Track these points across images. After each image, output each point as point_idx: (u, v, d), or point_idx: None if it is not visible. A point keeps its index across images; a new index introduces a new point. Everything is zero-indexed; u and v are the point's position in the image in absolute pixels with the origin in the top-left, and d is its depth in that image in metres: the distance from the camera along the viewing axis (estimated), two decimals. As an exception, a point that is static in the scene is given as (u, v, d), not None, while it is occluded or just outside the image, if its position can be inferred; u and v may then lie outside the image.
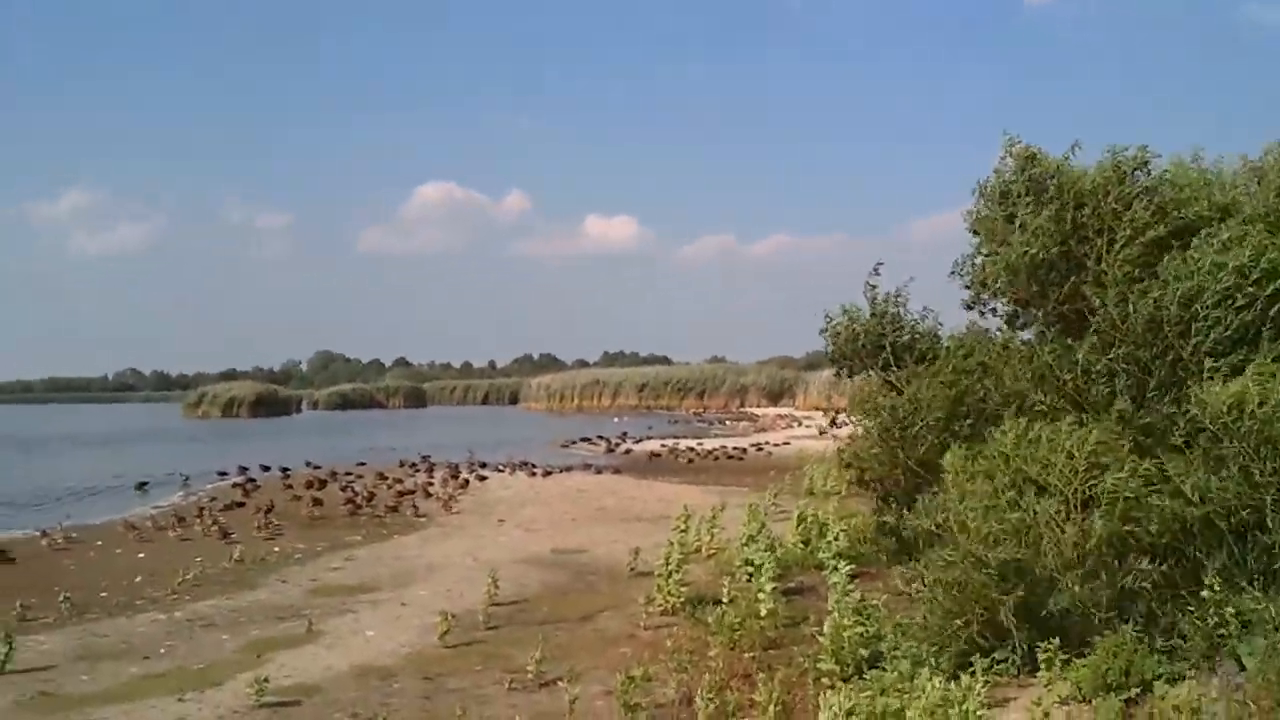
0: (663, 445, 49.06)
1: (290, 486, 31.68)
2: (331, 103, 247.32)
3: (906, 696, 7.77)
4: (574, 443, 53.99)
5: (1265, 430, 8.28)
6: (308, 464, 38.43)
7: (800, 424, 64.01)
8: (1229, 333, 9.70)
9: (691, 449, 46.22)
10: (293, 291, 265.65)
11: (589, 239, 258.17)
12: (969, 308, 13.56)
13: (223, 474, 37.66)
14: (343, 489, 30.08)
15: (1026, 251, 11.59)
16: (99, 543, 22.06)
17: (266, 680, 10.34)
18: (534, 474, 35.42)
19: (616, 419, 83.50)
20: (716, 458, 42.40)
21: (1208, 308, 9.78)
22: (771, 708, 8.36)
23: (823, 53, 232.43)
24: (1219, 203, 11.45)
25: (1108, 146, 11.82)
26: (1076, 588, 9.17)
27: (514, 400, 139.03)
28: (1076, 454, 9.30)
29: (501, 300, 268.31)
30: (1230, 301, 9.72)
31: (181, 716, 9.88)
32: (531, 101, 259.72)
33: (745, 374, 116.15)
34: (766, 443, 48.28)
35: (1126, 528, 8.95)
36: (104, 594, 16.36)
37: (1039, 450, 9.50)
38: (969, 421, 12.64)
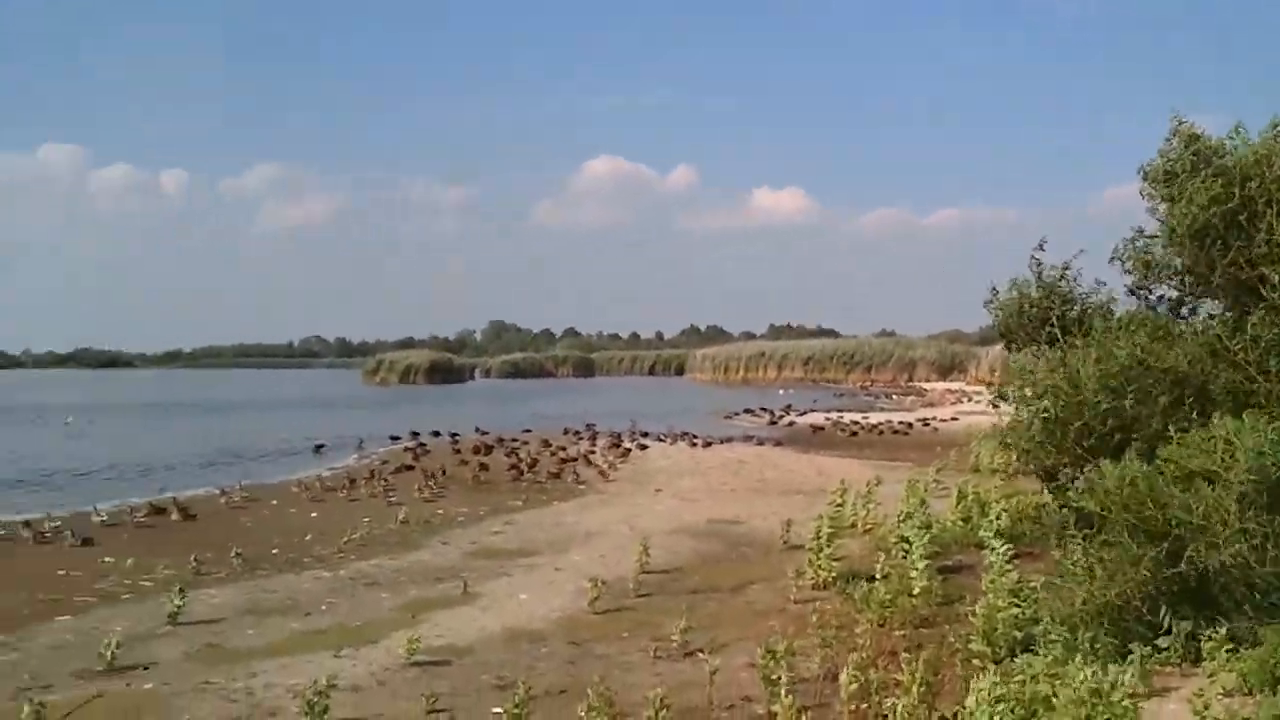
0: (826, 418, 48.54)
1: (459, 451, 32.54)
2: (505, 79, 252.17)
3: (1058, 683, 7.47)
4: (737, 414, 53.88)
5: None
6: (476, 430, 39.45)
7: (969, 399, 62.57)
8: None
9: (856, 423, 45.61)
10: (468, 263, 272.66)
11: (758, 211, 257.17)
12: (1132, 293, 13.04)
13: (395, 438, 38.88)
14: (508, 455, 30.77)
15: (1193, 216, 11.10)
16: (274, 502, 23.07)
17: (418, 640, 10.64)
18: (694, 444, 35.51)
19: (781, 391, 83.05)
20: (881, 432, 41.74)
21: None
22: (915, 688, 8.14)
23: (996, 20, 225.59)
24: None
25: (1274, 120, 11.22)
26: (1239, 545, 8.68)
27: (680, 371, 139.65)
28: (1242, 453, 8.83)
29: (669, 272, 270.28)
30: None
31: (336, 672, 10.16)
32: (697, 76, 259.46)
33: (914, 348, 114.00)
34: (934, 418, 47.28)
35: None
36: (275, 551, 17.09)
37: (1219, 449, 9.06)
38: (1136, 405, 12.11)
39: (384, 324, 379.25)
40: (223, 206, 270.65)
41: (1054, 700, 7.15)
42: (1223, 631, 8.39)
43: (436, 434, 39.26)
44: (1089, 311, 13.92)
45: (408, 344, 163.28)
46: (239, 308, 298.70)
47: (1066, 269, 14.02)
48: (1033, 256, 14.28)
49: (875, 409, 59.53)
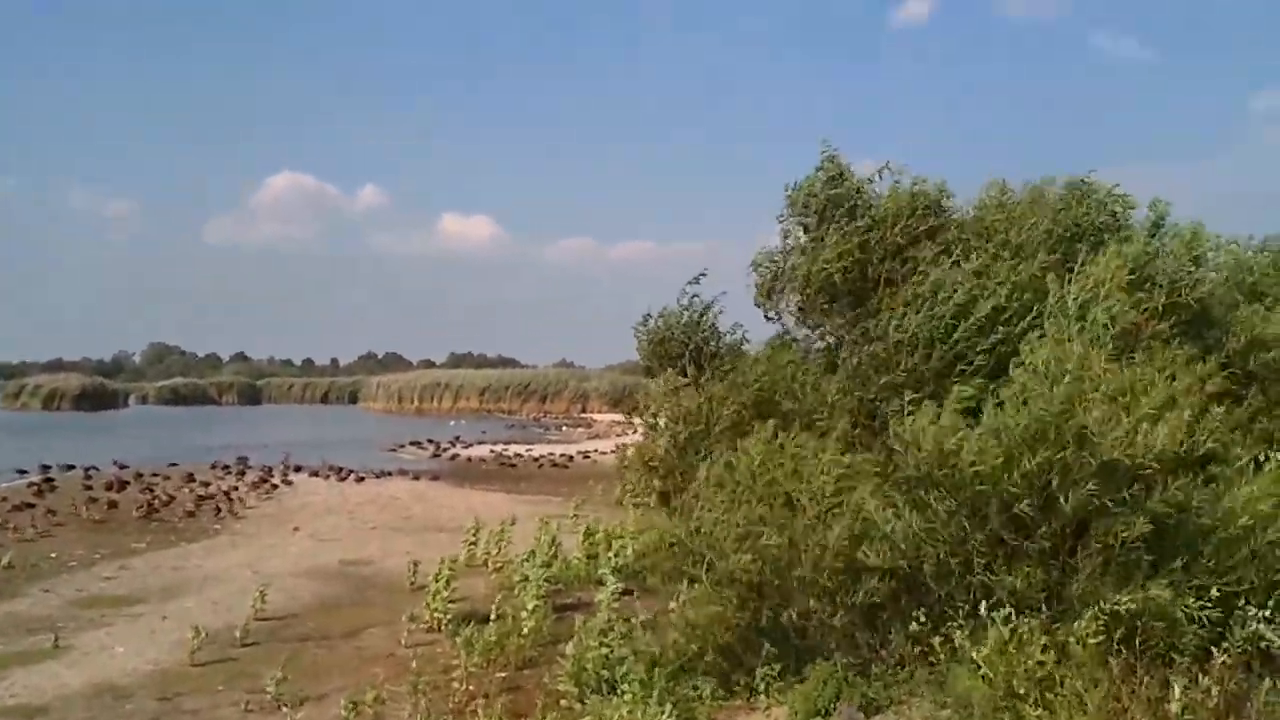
0: (491, 451, 48.78)
1: (90, 487, 30.39)
2: (178, 88, 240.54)
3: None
4: (401, 446, 53.26)
5: (956, 473, 8.54)
6: (115, 463, 37.01)
7: (634, 430, 64.28)
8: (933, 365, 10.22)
9: (519, 455, 46.06)
10: (130, 280, 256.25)
11: (447, 236, 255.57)
12: (758, 305, 14.00)
13: (22, 472, 35.92)
14: (143, 491, 29.10)
15: (823, 270, 12.09)
16: None
17: (-17, 702, 9.91)
18: (347, 479, 34.78)
19: (453, 422, 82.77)
20: (541, 465, 42.32)
21: (920, 341, 10.29)
22: (491, 733, 8.32)
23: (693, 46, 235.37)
24: (1003, 240, 12.07)
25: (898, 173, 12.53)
26: (812, 601, 9.38)
27: (354, 400, 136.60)
28: (826, 472, 9.56)
29: (350, 297, 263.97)
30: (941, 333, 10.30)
31: (-118, 742, 9.36)
32: (393, 98, 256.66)
33: (588, 379, 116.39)
34: (595, 450, 48.38)
35: (861, 549, 9.15)
36: None
37: (790, 465, 9.73)
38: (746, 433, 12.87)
39: (32, 344, 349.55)
40: None
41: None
42: (776, 669, 9.00)
43: (70, 468, 36.58)
44: (725, 348, 14.71)
45: (57, 366, 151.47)
46: None
47: (712, 306, 14.74)
48: (684, 289, 14.93)
49: (543, 441, 60.32)
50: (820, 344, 13.68)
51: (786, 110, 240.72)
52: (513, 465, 42.43)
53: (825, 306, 12.76)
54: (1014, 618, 7.61)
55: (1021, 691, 7.18)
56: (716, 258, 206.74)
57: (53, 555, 19.67)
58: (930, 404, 8.87)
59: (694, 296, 14.49)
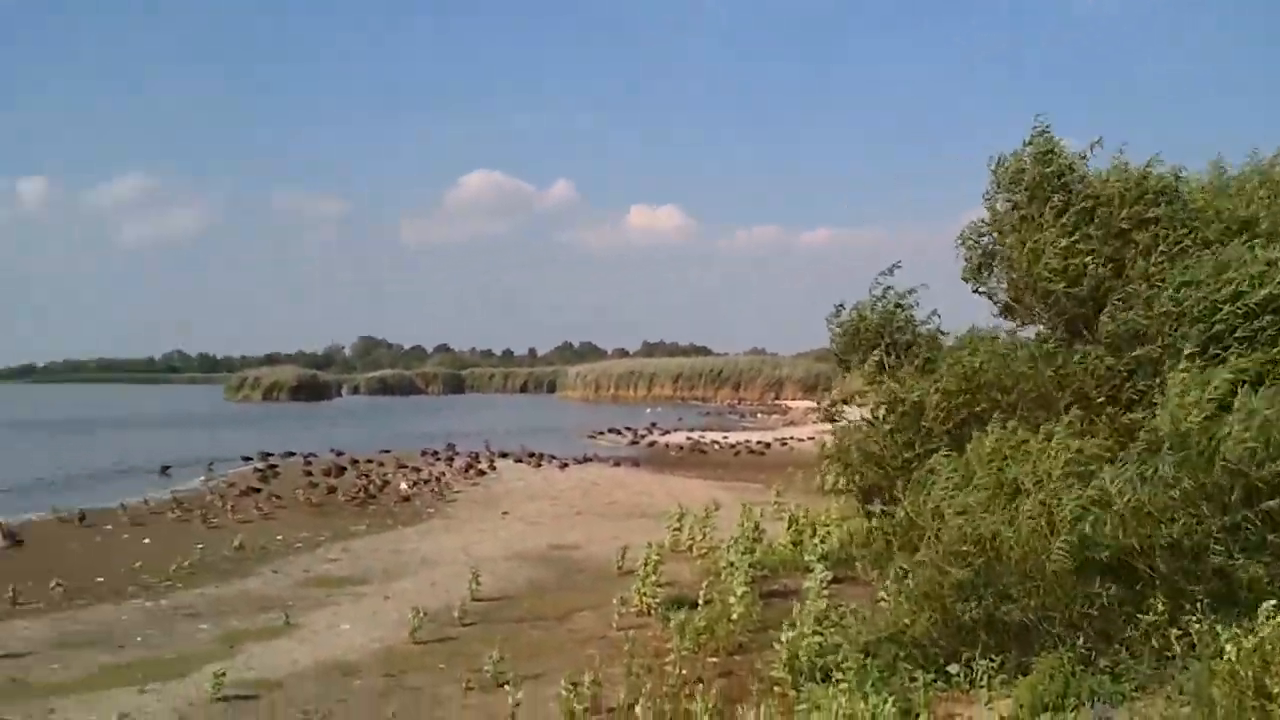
0: (688, 438, 48.99)
1: (310, 473, 31.90)
2: (381, 95, 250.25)
3: (817, 715, 7.70)
4: (600, 434, 53.99)
5: (1207, 441, 8.10)
6: (332, 450, 38.80)
7: (833, 418, 63.55)
8: (1199, 344, 9.70)
9: (715, 442, 46.12)
10: (340, 277, 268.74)
11: (636, 228, 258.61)
12: (966, 280, 13.65)
13: (247, 459, 38.08)
14: (359, 477, 30.33)
15: (1042, 274, 11.76)
16: (108, 527, 22.41)
17: (224, 674, 10.47)
18: (551, 465, 35.51)
19: (649, 409, 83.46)
20: (739, 452, 42.27)
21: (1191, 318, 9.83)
22: (706, 718, 8.30)
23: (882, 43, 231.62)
24: (1240, 217, 11.55)
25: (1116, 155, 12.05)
26: (1031, 602, 9.07)
27: (552, 389, 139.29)
28: (1053, 462, 9.26)
29: (545, 289, 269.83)
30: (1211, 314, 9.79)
31: (138, 708, 9.98)
32: (580, 93, 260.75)
33: (781, 366, 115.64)
34: (791, 437, 48.02)
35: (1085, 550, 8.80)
36: (99, 579, 16.60)
37: (1020, 459, 9.45)
38: (960, 424, 12.54)
39: (250, 339, 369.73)
40: (85, 216, 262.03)
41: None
42: (998, 661, 8.71)
43: (290, 455, 38.59)
44: (921, 338, 14.35)
45: (274, 359, 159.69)
46: (101, 321, 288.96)
47: (908, 295, 14.39)
48: (877, 280, 14.62)
49: (738, 428, 60.23)
50: (1034, 327, 13.22)
51: (966, 94, 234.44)
52: (709, 452, 42.53)
53: (1045, 286, 12.28)
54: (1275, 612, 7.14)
55: (1276, 691, 6.73)
56: (903, 242, 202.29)
57: (279, 537, 20.68)
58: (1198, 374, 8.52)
59: (888, 288, 14.17)
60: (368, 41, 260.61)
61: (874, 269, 13.97)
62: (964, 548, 9.31)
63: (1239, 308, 9.86)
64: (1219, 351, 9.67)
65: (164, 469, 35.82)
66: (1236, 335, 9.72)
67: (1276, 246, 10.48)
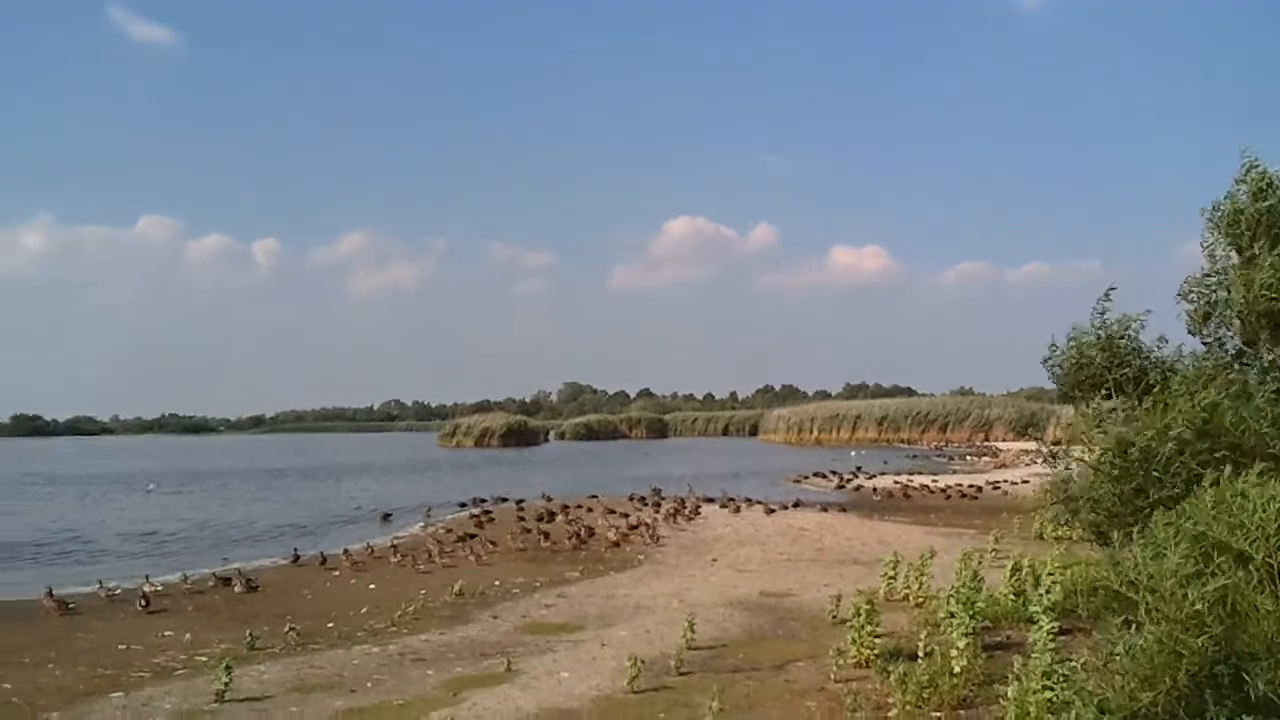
0: (895, 482, 48.10)
1: (523, 519, 32.72)
2: (584, 151, 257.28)
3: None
4: (805, 478, 53.58)
5: None
6: (542, 495, 39.73)
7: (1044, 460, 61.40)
8: None
9: (924, 486, 45.16)
10: (547, 325, 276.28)
11: (836, 270, 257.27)
12: (1193, 333, 12.95)
13: (462, 505, 39.39)
14: (569, 522, 30.92)
15: (1261, 295, 11.01)
16: (335, 573, 23.40)
17: (453, 720, 10.76)
18: (756, 510, 35.35)
19: (854, 453, 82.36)
20: (949, 496, 41.24)
21: None
22: (936, 776, 8.08)
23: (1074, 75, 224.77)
24: None
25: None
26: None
27: (753, 432, 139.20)
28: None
29: (746, 332, 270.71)
30: None
31: (373, 751, 10.35)
32: (778, 138, 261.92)
33: (991, 406, 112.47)
34: (1004, 480, 46.60)
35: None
36: (330, 625, 17.34)
37: (1237, 510, 8.84)
38: (1192, 468, 11.90)
39: (462, 386, 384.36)
40: (310, 275, 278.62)
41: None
42: (1250, 722, 8.18)
43: (503, 500, 39.67)
44: (1150, 369, 13.69)
45: (484, 406, 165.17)
46: (322, 373, 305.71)
47: (1133, 321, 13.75)
48: (1094, 309, 14.00)
49: (946, 471, 58.85)
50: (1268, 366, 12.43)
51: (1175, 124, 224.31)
52: (918, 496, 41.61)
53: (1272, 333, 11.55)
54: None
55: None
56: (1116, 277, 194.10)
57: (496, 583, 21.22)
58: None
59: (1104, 314, 13.59)
60: (567, 105, 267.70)
61: (1087, 304, 13.41)
62: (1198, 607, 8.79)
63: None
64: None
65: (385, 515, 37.34)
66: None
67: None
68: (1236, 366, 12.68)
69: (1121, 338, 13.50)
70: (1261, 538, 8.55)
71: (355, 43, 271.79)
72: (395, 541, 28.44)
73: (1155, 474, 11.90)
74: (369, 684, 13.28)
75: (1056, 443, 14.99)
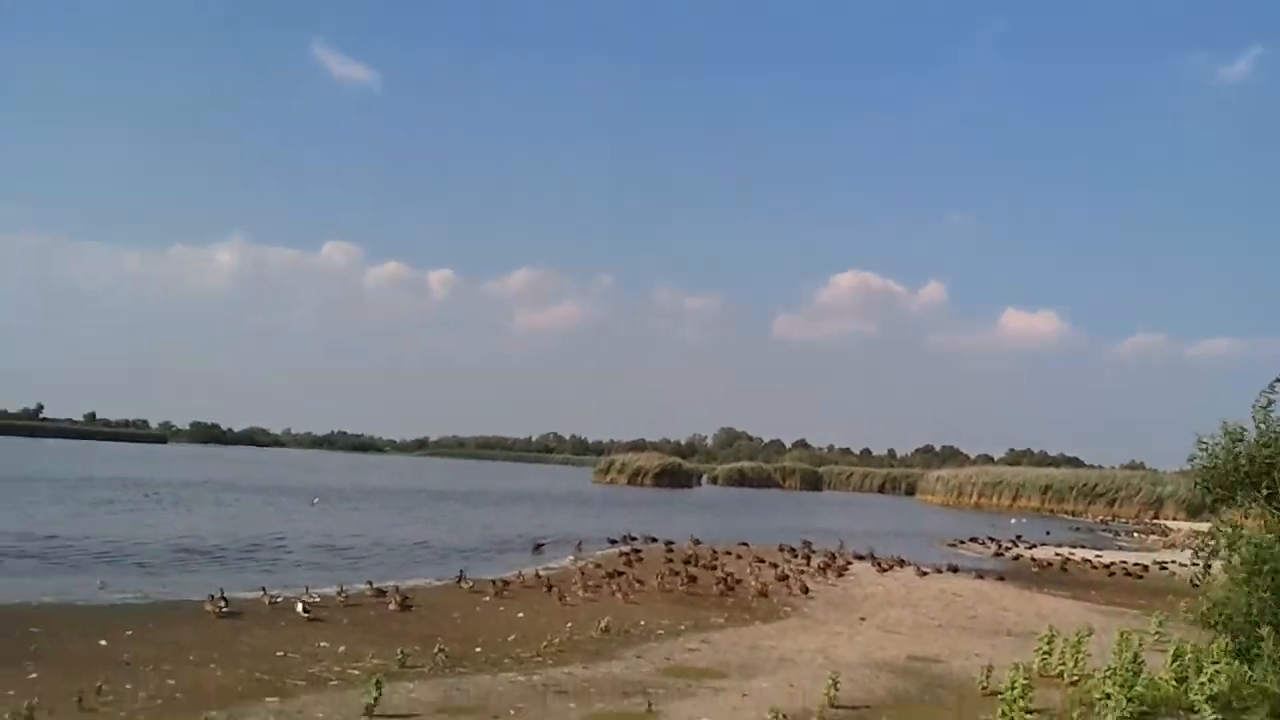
0: (1056, 554, 46.57)
1: (671, 560, 32.83)
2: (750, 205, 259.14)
3: None
4: (962, 542, 52.33)
5: None
6: (692, 539, 39.80)
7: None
8: None
9: (1087, 560, 43.61)
10: (706, 370, 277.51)
11: (1007, 332, 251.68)
12: None
13: (612, 541, 39.74)
14: (716, 568, 30.84)
15: None
16: (486, 598, 23.85)
17: (591, 756, 10.87)
18: (909, 572, 34.70)
19: (1014, 520, 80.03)
20: (1112, 573, 39.70)
21: None
22: None
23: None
24: None
25: None
26: None
27: (910, 491, 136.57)
28: None
29: (910, 390, 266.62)
30: None
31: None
32: (951, 195, 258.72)
33: (1163, 483, 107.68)
34: (1173, 561, 44.61)
35: None
36: (478, 649, 17.70)
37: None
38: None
39: (619, 424, 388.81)
40: (481, 306, 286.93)
41: None
42: None
43: (653, 540, 39.87)
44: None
45: (639, 445, 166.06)
46: (484, 402, 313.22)
47: None
48: (1258, 401, 13.13)
49: (1111, 547, 56.71)
50: None
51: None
52: (1077, 571, 40.21)
53: None
54: None
55: None
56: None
57: (641, 622, 21.34)
58: None
59: (1267, 407, 12.73)
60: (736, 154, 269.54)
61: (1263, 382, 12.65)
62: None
63: None
64: None
65: (537, 546, 37.92)
66: None
67: None
68: None
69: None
70: None
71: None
72: (545, 571, 28.87)
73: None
74: (511, 711, 13.51)
75: (1207, 539, 14.24)
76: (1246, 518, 12.91)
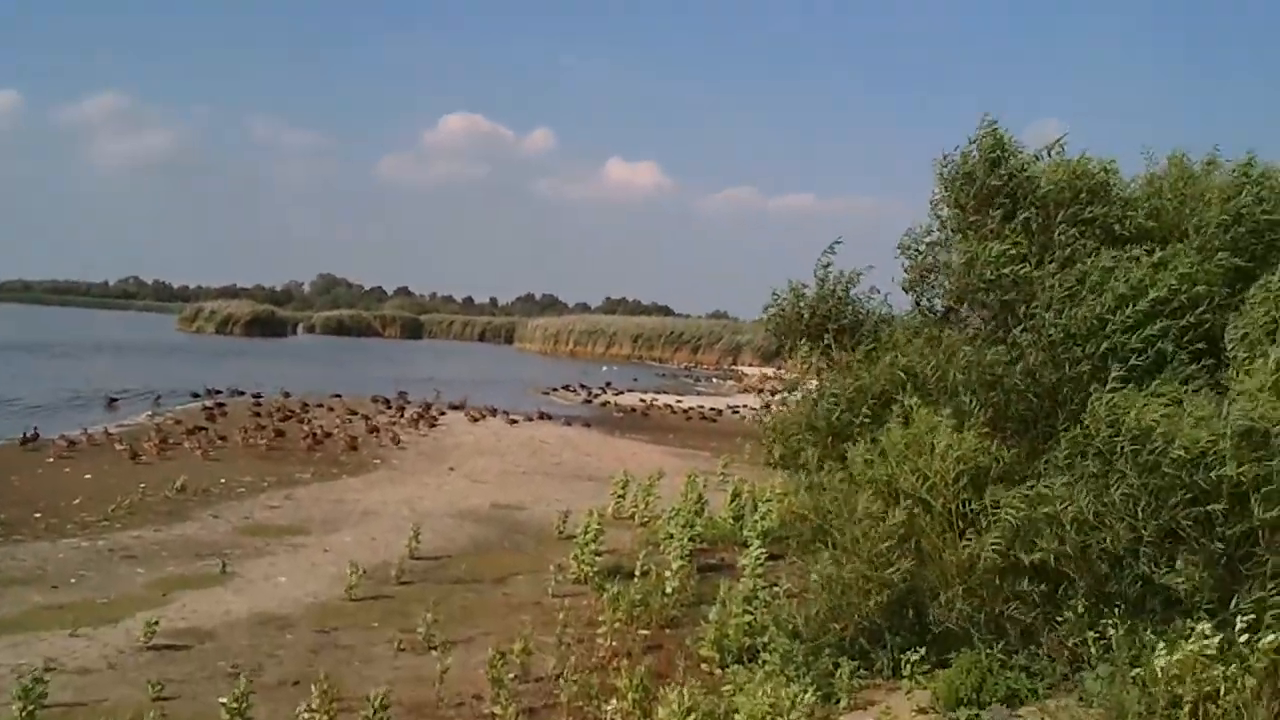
0: (640, 400, 49.01)
1: (259, 414, 31.62)
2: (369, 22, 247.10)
3: (740, 698, 7.82)
4: (554, 390, 53.94)
5: (1151, 453, 8.14)
6: (282, 391, 38.51)
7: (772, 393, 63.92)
8: (1138, 358, 9.59)
9: (668, 406, 46.24)
10: (306, 212, 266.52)
11: (610, 183, 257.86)
12: (907, 290, 13.44)
13: (195, 395, 37.83)
14: (306, 422, 30.14)
15: (983, 269, 11.51)
16: (49, 459, 22.13)
17: (157, 623, 10.46)
18: (500, 421, 35.49)
19: (605, 368, 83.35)
20: (690, 418, 42.40)
21: (1118, 330, 9.69)
22: (631, 695, 8.39)
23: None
24: (1169, 222, 11.31)
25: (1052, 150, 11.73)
26: (959, 604, 9.19)
27: (510, 339, 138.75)
28: (948, 458, 9.23)
29: (513, 238, 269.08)
30: (1140, 327, 9.64)
31: (68, 652, 9.97)
32: (568, 35, 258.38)
33: (742, 331, 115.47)
34: (745, 405, 48.15)
35: (1012, 551, 8.88)
36: (38, 515, 16.49)
37: (923, 465, 9.42)
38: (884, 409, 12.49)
39: (208, 269, 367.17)
40: (53, 134, 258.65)
41: (735, 716, 7.46)
42: (921, 653, 8.86)
43: (239, 393, 38.28)
44: (865, 318, 14.20)
45: (230, 292, 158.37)
46: (56, 242, 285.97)
47: (852, 276, 14.19)
48: (819, 260, 14.33)
49: (692, 392, 60.46)
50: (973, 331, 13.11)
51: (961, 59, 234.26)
52: (658, 416, 42.69)
53: (981, 302, 12.17)
54: (1183, 621, 7.29)
55: (1188, 701, 6.87)
56: (885, 213, 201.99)
57: (221, 480, 20.58)
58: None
59: (827, 266, 13.97)
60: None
61: (853, 237, 13.63)
62: (885, 545, 9.35)
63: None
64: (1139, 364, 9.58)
65: (110, 401, 35.53)
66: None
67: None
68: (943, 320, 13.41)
69: (846, 291, 13.87)
70: (941, 485, 9.21)
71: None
72: (118, 429, 27.15)
73: (863, 413, 12.49)
74: (73, 580, 12.77)
75: (775, 389, 15.45)
76: (806, 365, 13.92)
